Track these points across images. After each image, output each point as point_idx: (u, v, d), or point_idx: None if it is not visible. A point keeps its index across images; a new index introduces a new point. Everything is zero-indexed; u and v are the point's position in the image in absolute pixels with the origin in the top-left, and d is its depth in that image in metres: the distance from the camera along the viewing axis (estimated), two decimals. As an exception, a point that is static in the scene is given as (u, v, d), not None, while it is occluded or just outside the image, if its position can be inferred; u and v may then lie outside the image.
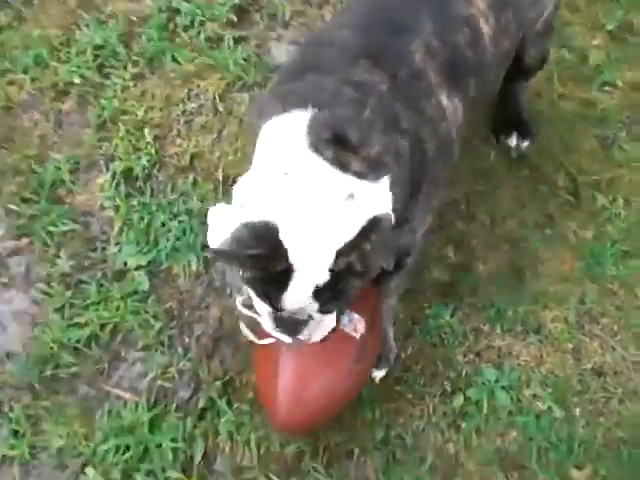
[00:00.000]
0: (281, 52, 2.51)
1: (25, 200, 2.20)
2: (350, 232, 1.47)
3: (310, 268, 1.47)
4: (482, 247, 2.23)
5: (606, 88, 2.52)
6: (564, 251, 2.26)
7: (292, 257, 1.46)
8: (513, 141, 2.36)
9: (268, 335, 1.74)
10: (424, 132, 1.63)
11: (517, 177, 2.35)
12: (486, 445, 2.00)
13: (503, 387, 2.06)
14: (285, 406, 1.77)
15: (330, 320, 1.64)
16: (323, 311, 1.57)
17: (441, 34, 1.67)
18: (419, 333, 2.11)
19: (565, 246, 2.26)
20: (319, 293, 1.51)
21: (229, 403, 1.98)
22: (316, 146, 1.49)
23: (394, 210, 1.54)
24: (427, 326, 2.11)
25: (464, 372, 2.07)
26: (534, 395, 2.07)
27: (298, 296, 1.51)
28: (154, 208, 2.20)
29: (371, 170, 1.52)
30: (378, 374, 1.98)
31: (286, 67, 1.75)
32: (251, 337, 1.81)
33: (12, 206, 2.19)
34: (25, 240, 2.16)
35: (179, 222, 2.18)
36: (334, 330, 1.68)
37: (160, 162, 2.28)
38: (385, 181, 1.53)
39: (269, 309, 1.57)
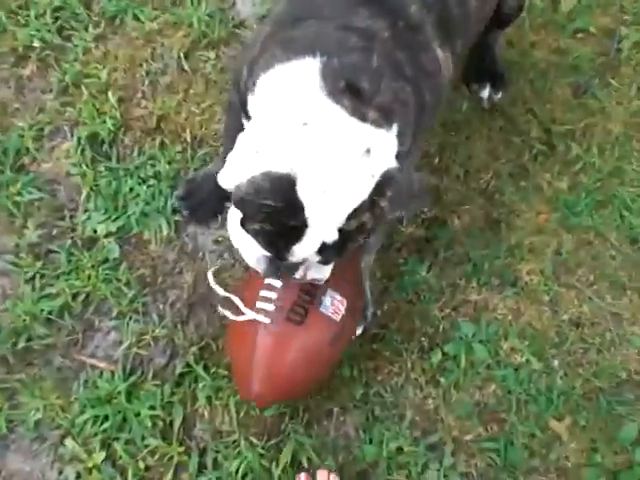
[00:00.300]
0: (246, 6, 2.45)
1: (-12, 170, 2.15)
2: (365, 191, 1.46)
3: (322, 226, 1.46)
4: (457, 201, 2.20)
5: (579, 35, 2.47)
6: (539, 202, 2.24)
7: (307, 214, 1.43)
8: (486, 92, 2.32)
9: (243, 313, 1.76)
10: (422, 84, 1.61)
11: (490, 128, 2.31)
12: (465, 399, 2.00)
13: (481, 341, 2.06)
14: (258, 384, 1.76)
15: (329, 266, 1.65)
16: (323, 262, 1.57)
17: None
18: (395, 290, 2.09)
19: (540, 197, 2.24)
20: (324, 249, 1.50)
21: (206, 368, 1.97)
22: (334, 95, 1.46)
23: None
24: (403, 282, 2.10)
25: (441, 327, 2.07)
26: (512, 348, 2.06)
27: (305, 251, 1.50)
28: (121, 173, 2.15)
29: (384, 118, 1.49)
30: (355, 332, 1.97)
31: (278, 17, 1.70)
32: (229, 315, 1.79)
33: (-25, 176, 2.14)
34: (-9, 211, 2.12)
35: (148, 186, 2.14)
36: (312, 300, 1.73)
37: (126, 125, 2.22)
38: (395, 129, 1.51)
39: (267, 255, 1.56)
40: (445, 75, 1.71)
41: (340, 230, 1.47)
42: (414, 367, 2.02)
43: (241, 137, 1.51)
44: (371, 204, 1.47)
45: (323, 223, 1.45)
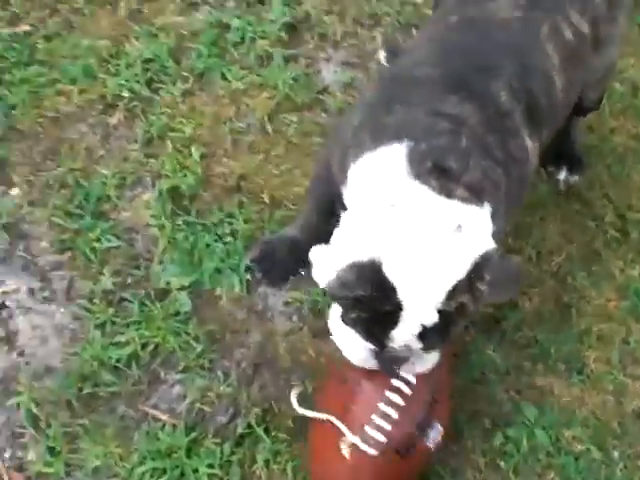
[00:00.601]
0: (330, 73, 2.49)
1: (70, 214, 2.19)
2: (461, 270, 1.44)
3: (418, 308, 1.44)
4: (528, 282, 2.19)
5: (658, 122, 2.49)
6: (610, 289, 2.23)
7: (400, 296, 1.43)
8: (562, 175, 2.34)
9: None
10: (511, 169, 1.62)
11: (565, 211, 2.32)
12: (524, 486, 1.98)
13: (543, 427, 2.03)
14: None
15: (434, 355, 1.63)
16: (426, 349, 1.55)
17: (521, 79, 1.67)
18: (461, 368, 2.07)
19: (611, 284, 2.23)
20: (426, 333, 1.48)
21: (267, 431, 1.96)
22: (420, 176, 1.48)
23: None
24: (469, 361, 2.09)
25: (505, 410, 2.05)
26: (574, 436, 2.04)
27: (404, 335, 1.48)
28: (199, 228, 2.18)
29: (475, 196, 1.50)
30: None
31: (369, 103, 1.73)
32: (344, 449, 1.73)
33: (56, 219, 2.17)
34: (68, 254, 2.15)
35: (224, 243, 2.16)
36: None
37: (207, 181, 2.26)
38: (487, 208, 1.51)
39: (370, 347, 1.55)
40: (532, 163, 1.72)
41: (440, 312, 1.45)
42: (475, 448, 1.99)
43: (334, 234, 1.53)
44: (470, 285, 1.45)
45: (419, 304, 1.44)
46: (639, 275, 2.25)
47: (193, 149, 2.29)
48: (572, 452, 2.02)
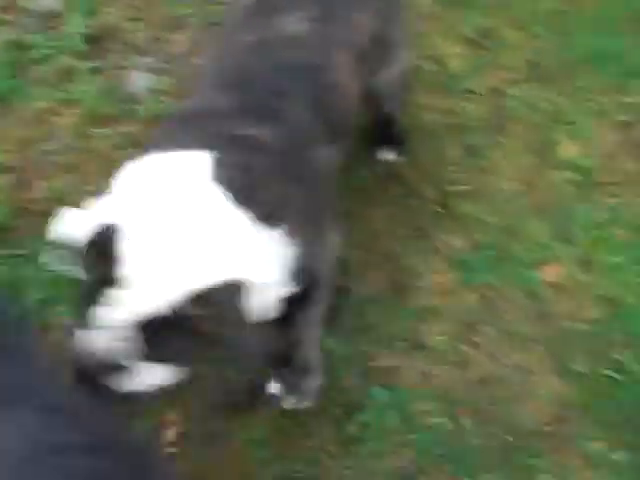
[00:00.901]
0: (138, 80, 2.43)
1: None
2: (202, 281, 1.33)
3: (146, 289, 1.29)
4: (360, 267, 2.22)
5: (468, 96, 2.55)
6: (439, 263, 2.28)
7: (127, 267, 1.31)
8: (385, 156, 2.38)
9: None
10: (308, 181, 1.64)
11: (388, 192, 2.35)
12: (383, 467, 2.00)
13: (393, 406, 2.07)
14: None
15: (152, 375, 1.40)
16: (146, 358, 1.35)
17: (315, 94, 1.70)
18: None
19: (439, 258, 2.28)
20: (147, 328, 1.31)
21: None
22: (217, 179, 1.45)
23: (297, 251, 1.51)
24: (311, 354, 2.10)
25: (354, 397, 2.06)
26: (424, 411, 2.08)
27: (121, 319, 1.30)
28: (19, 260, 2.09)
29: (266, 220, 1.47)
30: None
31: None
32: None
33: None
34: None
35: (48, 273, 2.07)
36: None
37: (20, 210, 2.16)
38: (278, 233, 1.49)
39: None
40: (331, 168, 1.78)
41: (175, 313, 1.30)
42: (330, 439, 1.99)
43: None
44: (209, 303, 1.33)
45: (147, 287, 1.30)
46: (465, 246, 2.30)
47: (1, 177, 2.18)
48: (425, 426, 2.05)
